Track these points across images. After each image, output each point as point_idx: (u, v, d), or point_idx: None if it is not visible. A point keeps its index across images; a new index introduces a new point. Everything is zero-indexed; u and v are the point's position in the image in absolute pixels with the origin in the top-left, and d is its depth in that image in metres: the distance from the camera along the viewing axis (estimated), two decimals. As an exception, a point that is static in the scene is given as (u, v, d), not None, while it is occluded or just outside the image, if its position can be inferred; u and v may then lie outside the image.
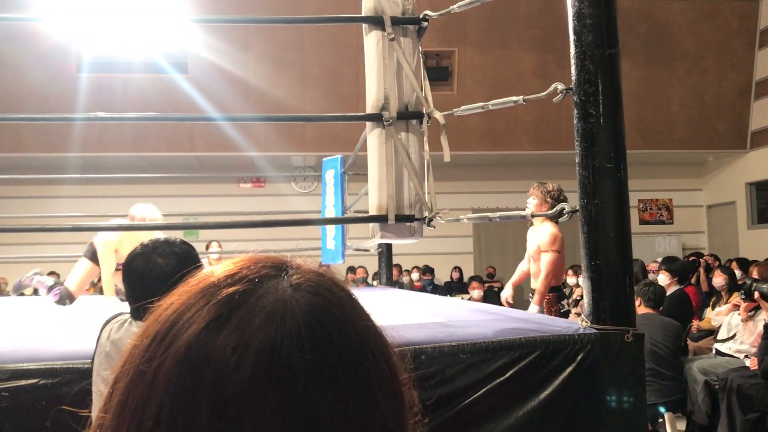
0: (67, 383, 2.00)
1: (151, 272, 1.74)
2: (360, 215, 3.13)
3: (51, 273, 8.97)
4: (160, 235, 2.09)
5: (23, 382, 1.99)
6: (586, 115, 2.29)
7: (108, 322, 1.87)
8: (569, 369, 2.22)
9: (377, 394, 0.47)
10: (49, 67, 9.36)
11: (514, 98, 2.58)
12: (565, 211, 2.36)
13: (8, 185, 10.03)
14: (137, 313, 1.80)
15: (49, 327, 3.23)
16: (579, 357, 2.23)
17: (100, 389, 1.76)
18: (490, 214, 2.50)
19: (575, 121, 2.32)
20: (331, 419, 0.44)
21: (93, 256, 4.71)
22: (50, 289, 4.65)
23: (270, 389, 0.43)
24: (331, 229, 5.67)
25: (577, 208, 2.31)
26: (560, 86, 2.41)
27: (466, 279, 10.53)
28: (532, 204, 4.58)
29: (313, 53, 9.89)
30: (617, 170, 2.26)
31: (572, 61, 2.35)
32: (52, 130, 9.46)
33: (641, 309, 4.62)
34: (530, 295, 4.72)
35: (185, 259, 1.77)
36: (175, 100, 9.28)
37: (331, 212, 5.67)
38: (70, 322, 3.43)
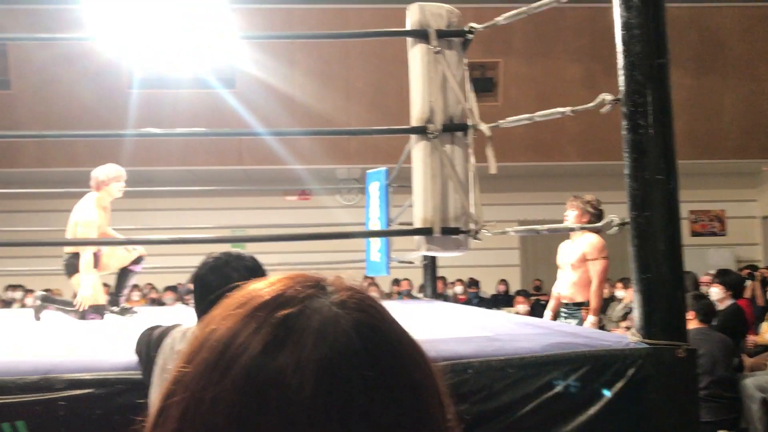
0: (119, 393, 2.05)
1: (223, 285, 1.74)
2: (405, 228, 3.13)
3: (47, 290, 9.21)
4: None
5: (78, 392, 2.04)
6: (635, 127, 2.26)
7: (162, 333, 1.88)
8: (619, 384, 2.18)
9: (429, 404, 0.48)
10: (102, 84, 9.65)
11: (561, 109, 2.56)
12: (614, 223, 2.32)
13: (62, 198, 10.32)
14: None
15: (102, 338, 3.31)
16: (629, 372, 2.18)
17: None
18: (537, 227, 2.47)
19: (624, 133, 2.29)
20: (390, 429, 0.44)
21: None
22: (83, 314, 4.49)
23: (332, 407, 0.43)
24: (375, 242, 5.68)
25: (627, 220, 2.27)
26: (608, 97, 2.38)
27: (512, 292, 10.43)
28: (571, 216, 4.49)
29: (358, 67, 9.97)
30: (668, 182, 2.22)
31: (620, 72, 2.31)
32: (105, 145, 9.71)
33: (693, 323, 4.48)
34: (565, 306, 4.62)
35: (256, 274, 1.77)
36: (222, 115, 9.46)
37: (375, 224, 5.68)
38: (121, 334, 3.50)
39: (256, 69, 9.63)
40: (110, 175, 4.58)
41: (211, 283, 1.77)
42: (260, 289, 0.51)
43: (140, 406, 1.85)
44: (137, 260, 4.89)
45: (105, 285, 4.74)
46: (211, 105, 9.70)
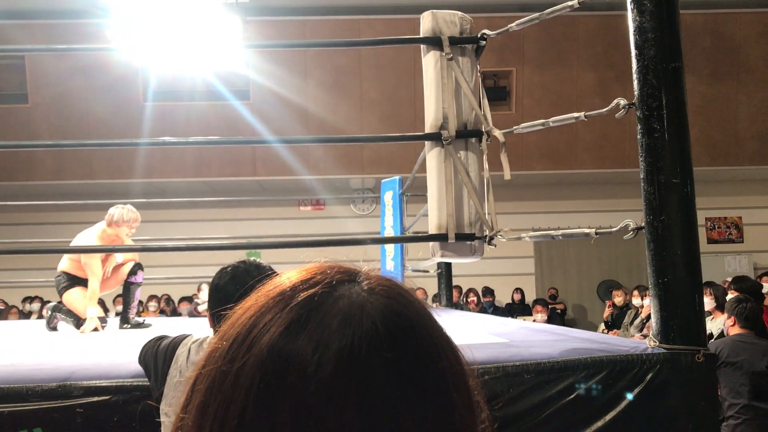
0: (137, 400, 2.06)
1: (245, 295, 1.73)
2: (419, 235, 3.13)
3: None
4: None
5: (96, 399, 2.05)
6: (650, 130, 2.25)
7: (173, 343, 1.87)
8: (637, 390, 2.16)
9: (453, 394, 0.47)
10: (117, 97, 9.75)
11: (576, 114, 2.55)
12: (630, 228, 2.31)
13: (78, 211, 10.41)
14: None
15: (119, 346, 3.33)
16: (647, 377, 2.16)
17: (178, 413, 1.74)
18: (552, 232, 2.46)
19: (639, 137, 2.28)
20: (410, 417, 0.44)
21: (72, 281, 4.60)
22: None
23: (351, 388, 0.43)
24: (390, 250, 5.69)
25: (643, 224, 2.26)
26: (622, 101, 2.38)
27: (527, 301, 10.38)
28: None
29: (371, 78, 10.01)
30: (683, 185, 2.21)
31: (635, 76, 2.31)
32: (120, 157, 9.81)
33: (735, 329, 4.14)
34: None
35: None
36: (236, 127, 9.52)
37: (390, 233, 5.69)
38: (137, 341, 3.52)
39: (269, 81, 9.69)
40: (125, 218, 4.60)
41: (229, 291, 1.75)
42: (291, 274, 0.53)
43: (156, 413, 1.85)
44: (134, 271, 4.81)
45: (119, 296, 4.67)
46: (225, 117, 9.77)
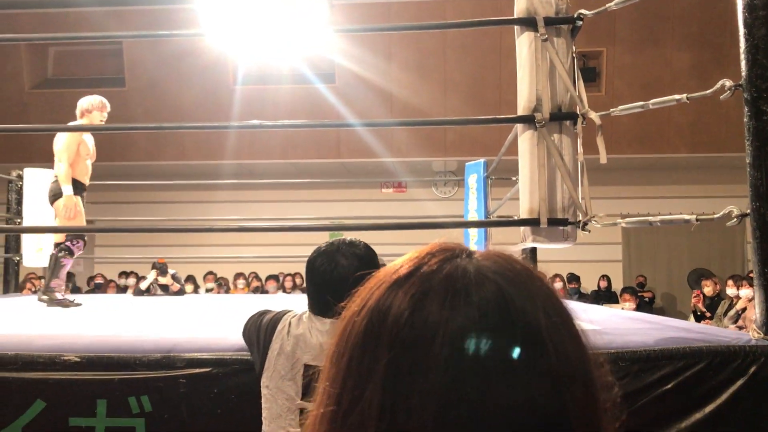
0: (236, 373, 2.14)
1: (333, 272, 1.77)
2: (509, 219, 3.10)
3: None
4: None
5: (198, 371, 2.15)
6: (758, 113, 2.15)
7: (275, 318, 1.92)
8: (739, 383, 2.08)
9: (571, 379, 0.48)
10: (208, 81, 10.05)
11: (677, 96, 2.46)
12: (733, 215, 2.22)
13: (171, 190, 10.82)
14: (317, 309, 1.83)
15: (218, 319, 3.46)
16: (751, 370, 2.08)
17: (277, 384, 1.80)
18: (650, 218, 2.39)
19: (746, 120, 2.18)
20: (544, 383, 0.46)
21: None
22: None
23: (469, 367, 0.45)
24: (473, 234, 5.65)
25: (748, 211, 2.17)
26: (728, 83, 2.27)
27: (614, 288, 10.12)
28: None
29: (456, 60, 9.93)
30: (794, 171, 2.10)
31: (742, 56, 2.21)
32: (211, 140, 10.13)
33: None
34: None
35: (366, 262, 1.78)
36: (321, 110, 9.65)
37: (473, 216, 5.65)
38: (237, 315, 3.65)
39: (354, 64, 9.76)
40: (94, 104, 4.59)
41: (318, 267, 1.81)
42: (414, 252, 0.54)
43: (254, 386, 1.91)
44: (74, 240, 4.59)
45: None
46: (311, 100, 9.91)
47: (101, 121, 4.68)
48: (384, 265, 0.58)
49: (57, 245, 4.66)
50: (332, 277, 1.76)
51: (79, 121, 4.67)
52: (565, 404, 0.47)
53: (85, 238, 4.78)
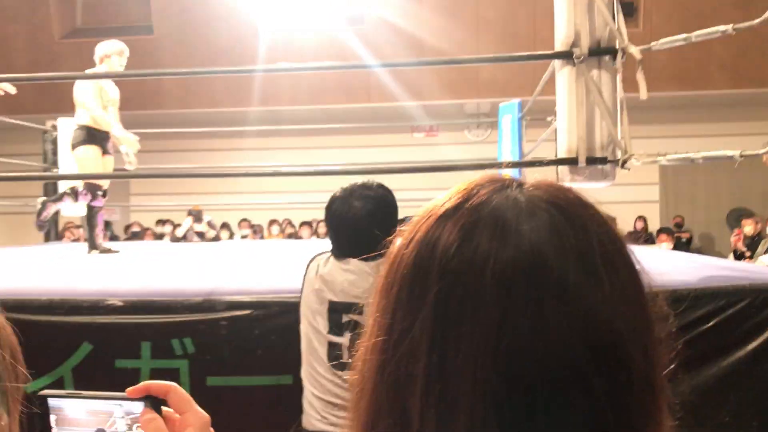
0: (275, 315, 2.18)
1: (347, 214, 1.84)
2: (545, 159, 3.04)
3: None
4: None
5: (238, 313, 2.18)
6: (810, 42, 2.05)
7: (312, 259, 1.98)
8: (783, 321, 2.05)
9: (639, 276, 0.49)
10: (234, 26, 9.96)
11: (722, 27, 2.36)
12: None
13: (202, 138, 10.86)
14: (338, 251, 1.89)
15: (255, 264, 3.50)
16: (795, 308, 2.05)
17: (309, 320, 1.89)
18: (692, 155, 2.33)
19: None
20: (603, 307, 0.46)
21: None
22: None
23: (542, 281, 0.45)
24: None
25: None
26: (778, 11, 2.17)
27: (651, 229, 10.00)
28: None
29: (487, -2, 9.68)
30: None
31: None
32: (240, 86, 10.09)
33: None
34: None
35: (380, 203, 1.84)
36: (350, 54, 9.52)
37: (508, 158, 5.58)
38: (273, 260, 3.69)
39: (383, 7, 9.57)
40: (113, 48, 4.53)
41: (335, 210, 1.89)
42: (461, 185, 0.53)
43: (295, 327, 1.94)
44: (95, 195, 4.57)
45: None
46: (339, 43, 9.78)
47: (121, 66, 4.59)
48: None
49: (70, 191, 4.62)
50: (347, 219, 1.82)
51: (99, 67, 4.57)
52: (620, 333, 0.46)
53: (100, 192, 4.63)
